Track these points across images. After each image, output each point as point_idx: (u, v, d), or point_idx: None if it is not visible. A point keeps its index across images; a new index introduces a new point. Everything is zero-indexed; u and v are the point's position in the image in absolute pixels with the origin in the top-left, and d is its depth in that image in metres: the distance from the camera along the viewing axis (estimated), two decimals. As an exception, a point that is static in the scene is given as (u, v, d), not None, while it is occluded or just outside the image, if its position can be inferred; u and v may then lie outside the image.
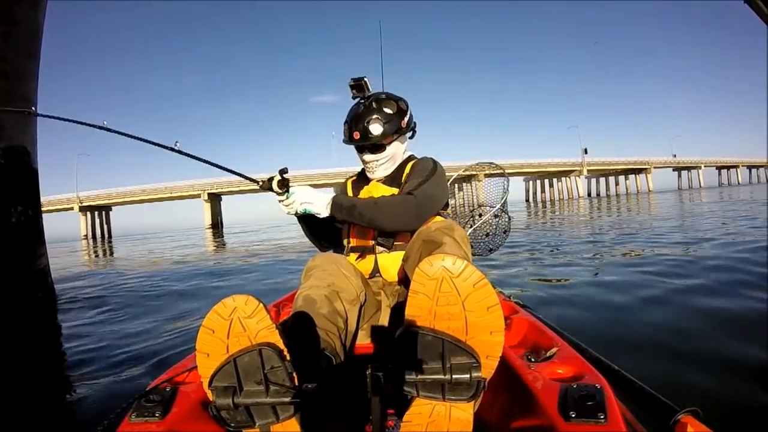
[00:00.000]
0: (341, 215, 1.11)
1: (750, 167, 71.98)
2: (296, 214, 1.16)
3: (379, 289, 1.21)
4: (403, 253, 1.17)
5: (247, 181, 1.24)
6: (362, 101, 1.26)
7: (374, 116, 1.23)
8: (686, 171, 60.95)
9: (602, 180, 58.54)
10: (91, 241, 32.46)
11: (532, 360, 0.99)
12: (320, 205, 1.11)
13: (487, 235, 1.92)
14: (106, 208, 43.88)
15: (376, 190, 1.29)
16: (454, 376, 0.69)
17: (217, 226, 38.42)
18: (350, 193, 1.35)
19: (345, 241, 1.32)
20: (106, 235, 42.11)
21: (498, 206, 1.93)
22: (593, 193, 57.17)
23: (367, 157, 1.28)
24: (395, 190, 1.26)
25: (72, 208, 40.40)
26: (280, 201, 1.15)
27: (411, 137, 1.36)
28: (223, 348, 0.74)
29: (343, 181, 1.44)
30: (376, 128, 1.22)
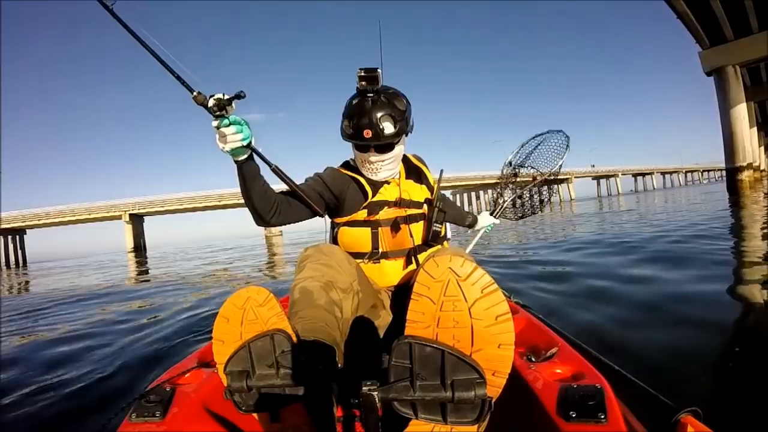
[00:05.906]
0: None
1: (664, 173, 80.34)
2: (231, 154, 0.99)
3: (380, 288, 1.21)
4: (402, 260, 1.22)
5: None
6: (369, 94, 1.15)
7: (386, 112, 1.14)
8: (605, 179, 66.42)
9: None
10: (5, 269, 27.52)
11: (532, 360, 0.99)
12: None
13: (520, 197, 1.78)
14: (20, 232, 38.82)
15: (410, 188, 1.27)
16: (456, 394, 0.63)
17: (139, 249, 35.45)
18: (369, 191, 1.23)
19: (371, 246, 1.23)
20: (21, 263, 37.11)
21: (557, 166, 1.77)
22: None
23: (374, 157, 1.18)
24: (424, 188, 1.29)
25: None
26: (215, 127, 0.96)
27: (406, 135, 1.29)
28: (237, 335, 0.78)
29: (349, 177, 1.25)
30: (389, 126, 1.14)
